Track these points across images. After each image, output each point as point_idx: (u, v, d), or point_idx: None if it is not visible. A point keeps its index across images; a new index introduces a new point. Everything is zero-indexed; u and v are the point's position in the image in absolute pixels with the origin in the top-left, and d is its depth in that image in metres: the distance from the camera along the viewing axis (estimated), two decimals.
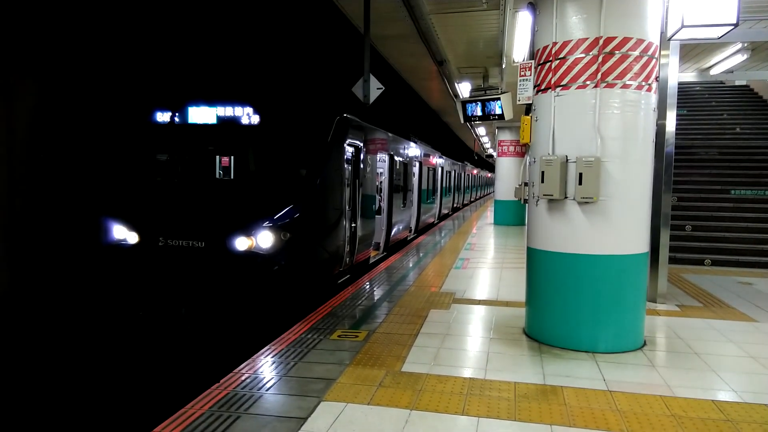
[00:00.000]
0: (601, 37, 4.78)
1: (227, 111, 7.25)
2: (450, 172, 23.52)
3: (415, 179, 14.61)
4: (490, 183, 54.88)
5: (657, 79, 5.04)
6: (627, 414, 3.70)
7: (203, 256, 6.42)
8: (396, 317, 6.13)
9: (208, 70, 14.36)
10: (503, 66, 10.73)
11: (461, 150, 42.57)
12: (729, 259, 10.11)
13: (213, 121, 7.30)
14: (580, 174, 4.80)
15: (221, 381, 4.18)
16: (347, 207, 8.08)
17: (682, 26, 5.18)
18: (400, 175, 12.45)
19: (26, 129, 9.21)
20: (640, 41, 4.79)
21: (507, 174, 18.75)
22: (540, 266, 5.29)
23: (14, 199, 9.03)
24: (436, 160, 18.73)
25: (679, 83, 7.56)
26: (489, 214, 22.78)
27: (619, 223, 4.88)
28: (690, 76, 14.21)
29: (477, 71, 12.39)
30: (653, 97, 4.99)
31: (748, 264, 9.99)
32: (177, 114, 7.43)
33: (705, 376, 4.52)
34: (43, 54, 9.46)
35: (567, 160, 4.94)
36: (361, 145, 8.80)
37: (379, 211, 10.75)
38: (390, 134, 11.39)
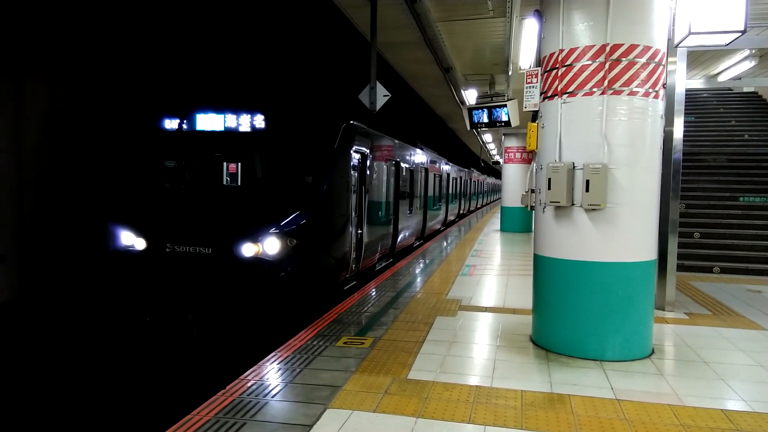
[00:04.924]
0: (608, 44, 4.78)
1: (234, 118, 7.29)
2: (456, 179, 23.51)
3: (422, 186, 14.61)
4: (497, 190, 54.78)
5: (664, 85, 5.03)
6: (635, 423, 3.67)
7: (210, 262, 6.44)
8: (402, 324, 6.12)
9: (216, 76, 14.45)
10: (509, 73, 10.75)
11: (468, 157, 42.57)
12: (738, 266, 10.03)
13: (220, 127, 7.34)
14: (587, 181, 4.79)
15: (227, 387, 4.18)
16: (353, 213, 8.09)
17: (690, 33, 5.17)
18: (406, 181, 12.44)
19: (35, 136, 9.29)
20: (647, 48, 4.79)
21: (513, 181, 18.73)
22: (547, 273, 5.27)
23: (23, 205, 9.10)
24: (443, 166, 18.73)
25: (687, 90, 7.54)
26: (495, 221, 22.73)
27: (627, 230, 4.86)
28: (698, 83, 14.16)
29: (483, 78, 12.42)
30: (660, 104, 4.97)
31: (758, 272, 9.91)
32: (185, 120, 7.48)
33: (714, 384, 4.48)
34: (52, 60, 9.56)
35: (574, 167, 4.93)
36: (368, 151, 8.81)
37: (385, 218, 10.75)
38: (396, 141, 11.40)
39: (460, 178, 25.09)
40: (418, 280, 8.99)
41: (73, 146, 9.97)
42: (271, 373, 4.52)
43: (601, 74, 4.81)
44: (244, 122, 7.25)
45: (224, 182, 7.54)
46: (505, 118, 10.09)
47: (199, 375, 6.06)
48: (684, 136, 7.24)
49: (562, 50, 5.00)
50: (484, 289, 8.34)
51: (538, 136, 5.40)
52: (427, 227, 15.73)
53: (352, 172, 8.00)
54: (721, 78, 13.08)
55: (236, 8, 13.92)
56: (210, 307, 6.51)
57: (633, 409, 3.89)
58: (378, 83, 8.48)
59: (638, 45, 4.76)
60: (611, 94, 4.79)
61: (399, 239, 11.75)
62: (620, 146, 4.81)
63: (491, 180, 53.77)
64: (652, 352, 5.20)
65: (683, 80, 7.12)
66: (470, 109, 10.87)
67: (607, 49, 4.78)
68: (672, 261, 6.97)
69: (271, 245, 6.38)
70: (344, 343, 5.40)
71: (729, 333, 6.03)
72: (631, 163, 4.83)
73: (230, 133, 7.30)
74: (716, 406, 4.00)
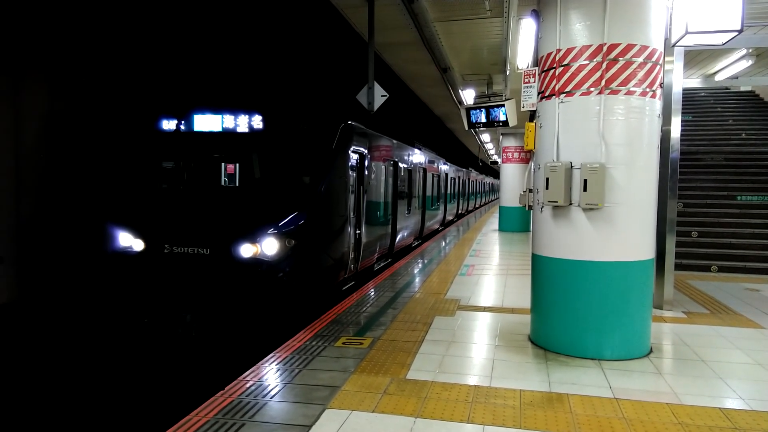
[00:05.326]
0: (605, 43, 4.78)
1: (232, 118, 7.28)
2: (455, 179, 23.52)
3: (420, 186, 14.62)
4: (495, 189, 54.81)
5: (661, 85, 5.03)
6: (633, 422, 3.67)
7: (208, 263, 6.44)
8: (400, 324, 6.12)
9: (214, 77, 14.44)
10: (507, 73, 10.76)
11: (466, 156, 42.59)
12: (736, 265, 10.05)
13: (218, 128, 7.34)
14: (585, 180, 4.80)
15: (226, 388, 4.18)
16: (352, 214, 8.09)
17: (686, 32, 5.17)
18: (404, 181, 12.45)
19: (34, 136, 9.28)
20: (644, 48, 4.80)
21: (512, 180, 18.75)
22: (545, 273, 5.27)
23: (22, 206, 9.09)
24: (441, 166, 18.74)
25: (684, 89, 7.54)
26: (494, 221, 22.75)
27: (625, 229, 4.87)
28: (695, 82, 14.18)
29: (481, 78, 12.43)
30: (658, 104, 4.98)
31: (755, 270, 9.93)
32: (182, 121, 7.47)
33: (712, 383, 4.49)
34: (51, 60, 9.54)
35: (571, 166, 4.94)
36: (366, 151, 8.82)
37: (384, 218, 10.75)
38: (394, 141, 11.41)
39: (459, 177, 25.11)
40: (417, 280, 8.99)
41: (72, 147, 9.96)
42: (270, 374, 4.52)
43: (598, 74, 4.81)
44: (241, 123, 7.25)
45: (222, 183, 7.54)
46: (502, 117, 10.10)
47: (198, 376, 6.06)
48: (681, 135, 7.25)
49: (559, 50, 5.01)
50: (482, 288, 8.35)
51: (535, 136, 5.41)
52: (425, 227, 15.74)
53: (350, 173, 8.00)
54: (718, 77, 13.10)
55: (234, 8, 13.91)
56: (208, 307, 6.50)
57: (631, 408, 3.89)
58: (376, 83, 8.49)
59: (635, 44, 4.77)
60: (608, 93, 4.80)
61: (397, 239, 11.76)
62: (618, 146, 4.82)
63: (489, 180, 53.81)
64: (651, 351, 5.21)
65: (680, 79, 7.13)
66: (468, 109, 10.87)
67: (605, 48, 4.79)
68: (670, 260, 6.98)
69: (269, 246, 6.38)
70: (343, 343, 5.40)
71: (727, 331, 6.04)
72: (629, 162, 4.84)
73: (228, 134, 7.30)
74: (714, 405, 4.01)
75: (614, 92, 4.79)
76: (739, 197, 11.54)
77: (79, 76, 10.15)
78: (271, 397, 4.05)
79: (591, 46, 4.84)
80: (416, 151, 14.03)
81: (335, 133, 7.53)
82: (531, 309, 5.59)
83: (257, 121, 7.21)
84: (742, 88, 16.46)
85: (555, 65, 5.04)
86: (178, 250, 6.50)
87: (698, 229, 10.85)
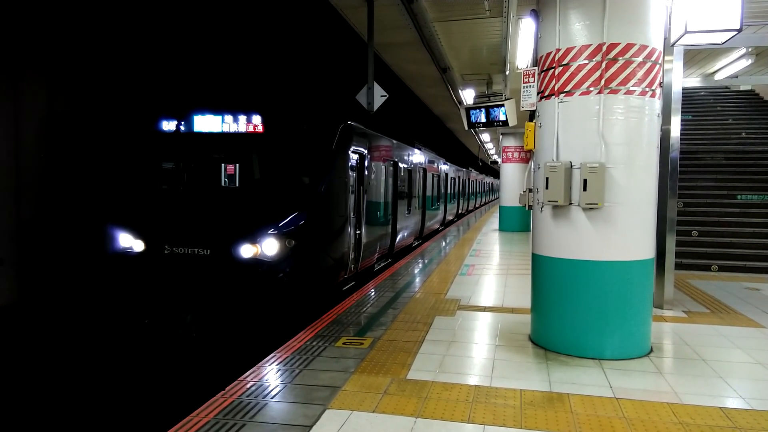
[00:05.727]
0: (605, 43, 4.78)
1: (232, 119, 7.29)
2: (455, 179, 23.51)
3: (420, 186, 14.62)
4: (495, 189, 54.81)
5: (661, 84, 5.03)
6: (634, 421, 3.68)
7: (208, 263, 6.44)
8: (401, 324, 6.12)
9: (214, 78, 14.45)
10: (507, 73, 10.76)
11: (466, 156, 42.59)
12: (736, 264, 10.05)
13: (218, 129, 7.34)
14: (585, 180, 4.80)
15: (226, 389, 4.19)
16: (352, 214, 8.09)
17: (686, 32, 5.17)
18: (404, 181, 12.45)
19: (34, 138, 9.28)
20: (644, 47, 4.80)
21: (512, 180, 18.74)
22: (545, 273, 5.27)
23: (21, 207, 9.09)
24: (441, 166, 18.73)
25: (684, 88, 7.54)
26: (494, 221, 22.75)
27: (625, 228, 4.87)
28: (694, 81, 14.17)
29: (481, 78, 12.43)
30: (657, 103, 4.98)
31: (756, 269, 9.93)
32: (182, 122, 7.48)
33: (712, 382, 4.49)
34: (50, 61, 9.55)
35: (571, 166, 4.94)
36: (366, 152, 8.82)
37: (384, 218, 10.75)
38: (394, 141, 11.41)
39: (459, 177, 25.10)
40: (417, 280, 8.99)
41: (72, 148, 9.96)
42: (271, 374, 4.52)
43: (597, 73, 4.82)
44: (241, 123, 7.25)
45: (222, 183, 7.54)
46: (502, 117, 10.09)
47: (199, 376, 6.06)
48: (681, 134, 7.25)
49: (558, 50, 5.01)
50: (482, 288, 8.35)
51: (535, 136, 5.41)
52: (425, 227, 15.73)
53: (350, 173, 8.00)
54: (717, 76, 13.09)
55: (234, 9, 13.92)
56: (209, 308, 6.51)
57: (632, 408, 3.90)
58: (375, 83, 8.49)
59: (635, 44, 4.77)
60: (608, 93, 4.80)
61: (398, 239, 11.76)
62: (617, 145, 4.82)
63: (489, 179, 53.80)
64: (651, 350, 5.21)
65: (680, 79, 7.13)
66: (468, 109, 10.86)
67: (604, 48, 4.79)
68: (670, 259, 6.98)
69: (269, 246, 6.39)
70: (343, 343, 5.40)
71: (727, 331, 6.04)
72: (629, 162, 4.84)
73: (228, 135, 7.31)
74: (715, 404, 4.01)
75: (614, 92, 4.79)
76: (739, 196, 11.54)
77: (79, 76, 10.15)
78: (272, 398, 4.05)
79: (590, 45, 4.84)
80: (416, 151, 14.03)
81: (335, 134, 7.53)
82: (531, 309, 5.59)
83: (257, 122, 7.21)
84: (742, 87, 16.43)
85: (554, 65, 5.04)
86: (179, 250, 6.51)
87: (698, 229, 10.85)
